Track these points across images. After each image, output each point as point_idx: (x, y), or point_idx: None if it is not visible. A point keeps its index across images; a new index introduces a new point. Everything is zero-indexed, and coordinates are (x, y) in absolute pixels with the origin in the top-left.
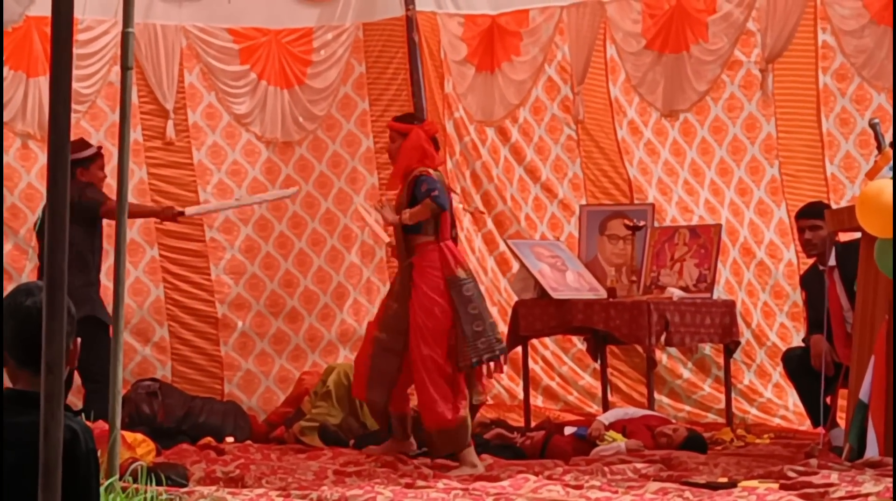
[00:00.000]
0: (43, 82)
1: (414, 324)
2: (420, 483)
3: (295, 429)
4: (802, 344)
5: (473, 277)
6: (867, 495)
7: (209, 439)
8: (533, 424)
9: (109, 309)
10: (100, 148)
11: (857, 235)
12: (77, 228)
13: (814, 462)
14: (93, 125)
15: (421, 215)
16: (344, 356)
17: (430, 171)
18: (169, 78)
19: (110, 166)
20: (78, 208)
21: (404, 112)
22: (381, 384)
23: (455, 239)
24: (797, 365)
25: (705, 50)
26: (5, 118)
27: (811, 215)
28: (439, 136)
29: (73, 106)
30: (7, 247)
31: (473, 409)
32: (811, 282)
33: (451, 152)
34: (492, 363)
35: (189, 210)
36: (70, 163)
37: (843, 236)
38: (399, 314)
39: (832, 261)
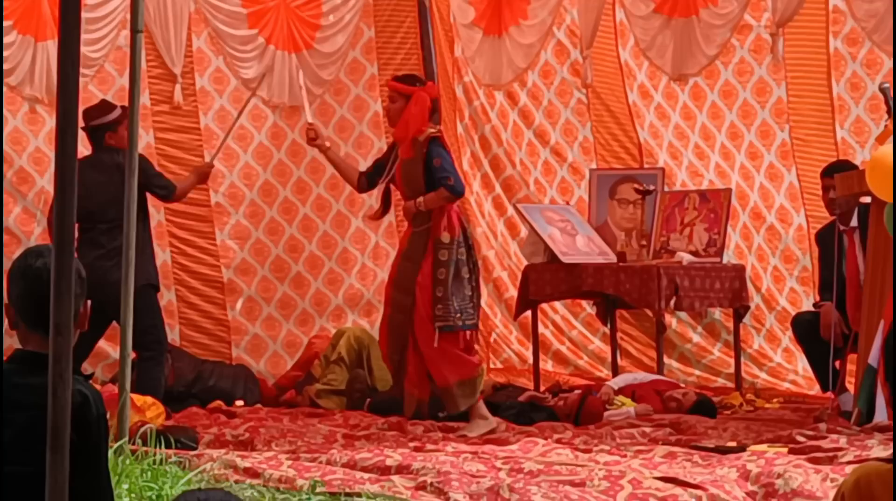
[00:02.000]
0: (51, 47)
1: (421, 285)
2: (429, 446)
3: (310, 392)
4: (812, 309)
5: (463, 242)
6: (875, 459)
7: (219, 402)
8: (543, 388)
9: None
10: (124, 107)
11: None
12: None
13: (823, 426)
14: (100, 89)
15: (436, 203)
16: (352, 320)
17: (442, 134)
18: (177, 42)
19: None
20: (147, 186)
21: None
22: (396, 341)
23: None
24: (806, 330)
25: (715, 14)
26: (13, 83)
27: (837, 173)
28: (441, 100)
29: (81, 70)
30: (16, 210)
31: None
32: (826, 240)
33: (461, 117)
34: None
35: (211, 158)
36: (98, 128)
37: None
38: (410, 273)
39: (854, 222)
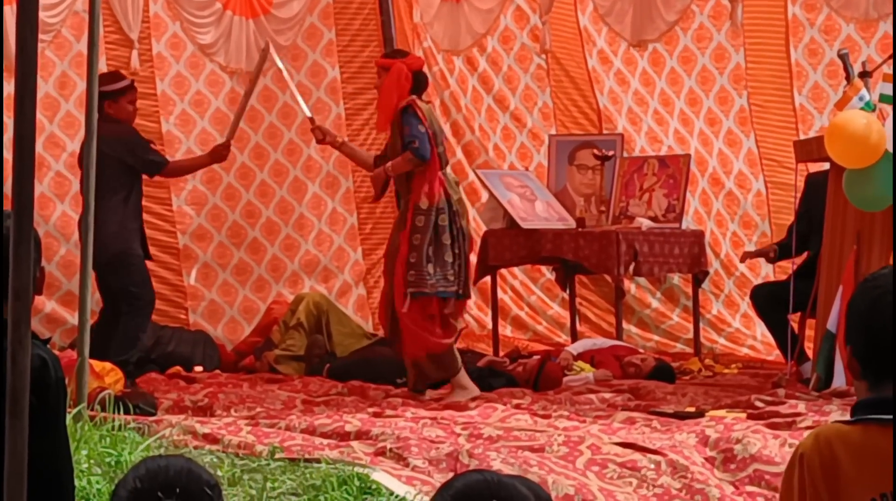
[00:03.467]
0: (8, 12)
1: (400, 252)
2: (389, 411)
3: (269, 358)
4: (772, 280)
5: (446, 209)
6: (834, 394)
7: (178, 368)
8: (501, 354)
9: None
10: (132, 81)
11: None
12: (117, 169)
13: (781, 391)
14: (57, 55)
15: (402, 168)
16: (309, 286)
17: (418, 104)
18: (134, 8)
19: (76, 95)
20: (118, 160)
21: (370, 42)
22: (388, 310)
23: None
24: (767, 302)
25: None
26: None
27: None
28: (427, 69)
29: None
30: None
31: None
32: (817, 187)
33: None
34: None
35: (226, 137)
36: (100, 96)
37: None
38: (397, 241)
39: None
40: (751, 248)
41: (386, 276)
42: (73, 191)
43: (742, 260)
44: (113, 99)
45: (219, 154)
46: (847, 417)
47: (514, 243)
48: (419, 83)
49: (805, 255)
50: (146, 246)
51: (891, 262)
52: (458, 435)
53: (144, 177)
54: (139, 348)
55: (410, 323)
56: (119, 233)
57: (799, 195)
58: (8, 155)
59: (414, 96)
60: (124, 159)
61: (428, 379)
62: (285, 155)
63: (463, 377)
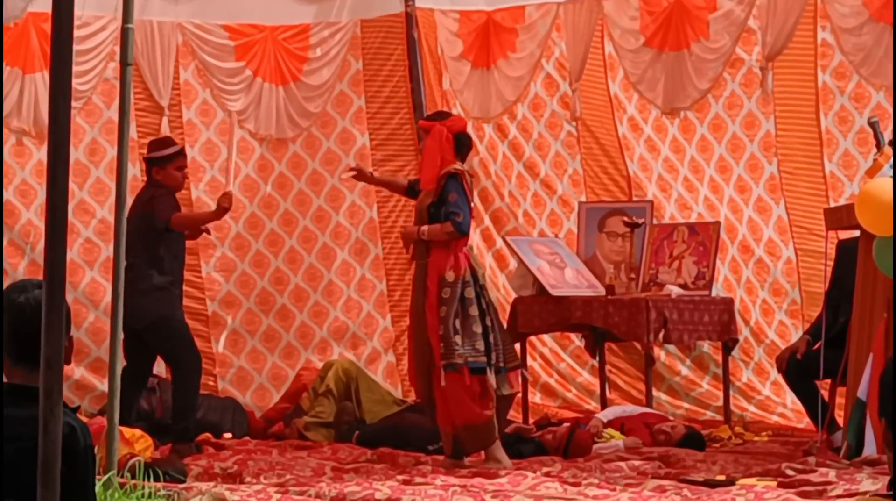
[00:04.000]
0: (39, 79)
1: (430, 325)
2: (418, 479)
3: (299, 424)
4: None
5: (472, 281)
6: (865, 492)
7: (207, 435)
8: (531, 421)
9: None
10: (181, 148)
11: None
12: (150, 231)
13: (812, 459)
14: (88, 122)
15: (439, 237)
16: (339, 352)
17: (463, 173)
18: (164, 75)
19: (106, 162)
20: (145, 219)
21: (400, 109)
22: (420, 373)
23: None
24: (795, 370)
25: (707, 48)
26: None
27: None
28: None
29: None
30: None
31: (504, 400)
32: (849, 253)
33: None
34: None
35: (231, 187)
36: (148, 161)
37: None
38: (419, 305)
39: None
40: (781, 315)
41: (411, 339)
42: (102, 257)
43: (779, 369)
44: (160, 165)
45: (225, 208)
46: (878, 485)
47: (543, 311)
48: (461, 145)
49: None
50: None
51: None
52: None
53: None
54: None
55: (448, 394)
56: (158, 297)
57: (830, 263)
58: (39, 223)
59: (459, 162)
60: (148, 217)
61: (464, 449)
62: (314, 222)
63: (497, 449)
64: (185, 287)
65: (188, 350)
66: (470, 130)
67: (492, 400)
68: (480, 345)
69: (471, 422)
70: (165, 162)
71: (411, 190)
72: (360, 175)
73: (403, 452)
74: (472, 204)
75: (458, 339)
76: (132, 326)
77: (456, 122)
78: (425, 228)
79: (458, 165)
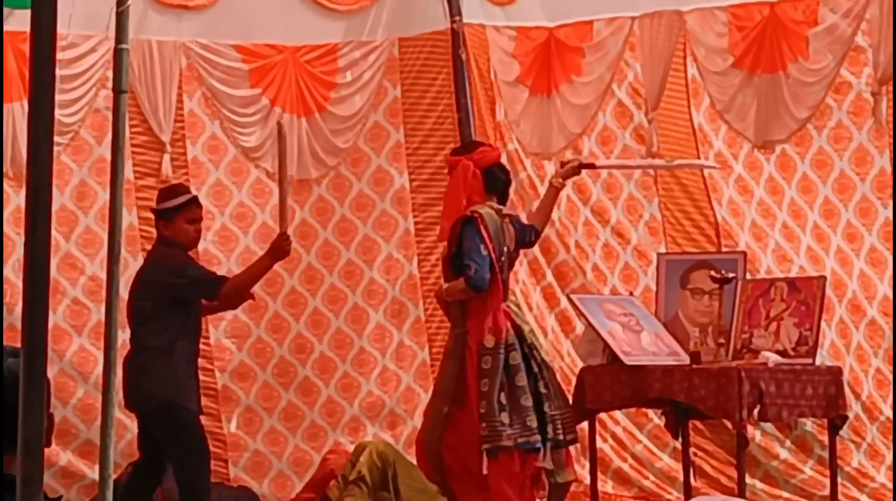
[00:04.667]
0: (17, 109)
1: (468, 404)
2: None
3: None
4: None
5: (517, 344)
6: None
7: None
8: None
9: None
10: (193, 198)
11: None
12: (167, 301)
13: None
14: (75, 160)
15: (456, 296)
16: (373, 433)
17: (485, 217)
18: (165, 104)
19: (97, 208)
20: (163, 287)
21: (445, 144)
22: (430, 457)
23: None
24: None
25: (806, 69)
26: None
27: None
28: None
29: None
30: None
31: (560, 488)
32: None
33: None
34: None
35: (282, 224)
36: (156, 214)
37: None
38: (451, 375)
39: None
40: None
41: (427, 413)
42: (92, 322)
43: None
44: (167, 218)
45: (280, 249)
46: None
47: (615, 383)
48: (493, 182)
49: None
50: (198, 398)
51: None
52: None
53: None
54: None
55: (492, 485)
56: (165, 380)
57: None
58: (17, 281)
59: (487, 202)
60: (171, 287)
61: None
62: (342, 278)
63: None
64: None
65: (192, 443)
66: (528, 168)
67: (543, 485)
68: (532, 421)
69: None
70: (173, 214)
71: None
72: None
73: None
74: (493, 251)
75: (504, 417)
76: (136, 409)
77: (485, 154)
78: (445, 286)
79: (479, 208)
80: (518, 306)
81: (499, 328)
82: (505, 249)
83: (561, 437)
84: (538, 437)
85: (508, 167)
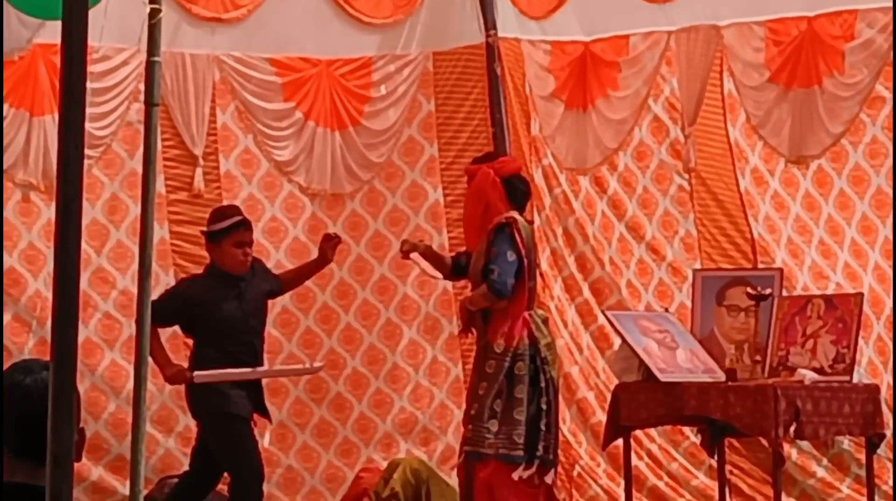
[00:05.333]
0: (49, 122)
1: (466, 401)
2: None
3: None
4: None
5: (527, 355)
6: None
7: None
8: None
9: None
10: (241, 220)
11: None
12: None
13: None
14: (106, 174)
15: (479, 303)
16: (406, 449)
17: (520, 224)
18: (198, 118)
19: (129, 221)
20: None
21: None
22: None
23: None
24: None
25: (841, 84)
26: (3, 165)
27: None
28: (526, 174)
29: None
30: (6, 318)
31: None
32: None
33: (540, 206)
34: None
35: (199, 376)
36: (205, 237)
37: None
38: (471, 389)
39: None
40: None
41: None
42: (123, 336)
43: None
44: (215, 242)
45: (324, 256)
46: None
47: (650, 400)
48: (515, 191)
49: None
50: (261, 404)
51: None
52: None
53: None
54: None
55: (478, 487)
56: (215, 390)
57: None
58: (47, 293)
59: (514, 212)
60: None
61: None
62: (375, 294)
63: None
64: None
65: (245, 455)
66: (563, 183)
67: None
68: (519, 436)
69: None
70: (221, 237)
71: (458, 268)
72: (409, 248)
73: None
74: (524, 257)
75: (492, 424)
76: (194, 418)
77: (506, 164)
78: (467, 297)
79: (512, 214)
80: (545, 320)
81: (512, 335)
82: (533, 257)
83: (552, 456)
84: (521, 452)
85: (543, 182)
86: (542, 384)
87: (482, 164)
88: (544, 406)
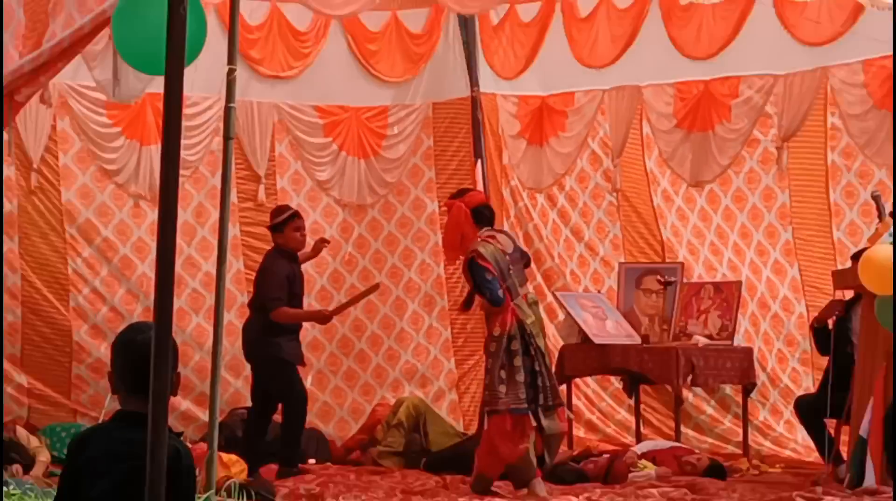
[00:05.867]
0: (154, 150)
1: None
2: None
3: (373, 453)
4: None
5: (518, 334)
6: (866, 492)
7: None
8: (576, 452)
9: None
10: (295, 212)
11: None
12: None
13: (819, 489)
14: (195, 188)
15: (488, 309)
16: (409, 390)
17: (480, 251)
18: (262, 148)
19: (210, 222)
20: (289, 278)
21: (465, 181)
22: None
23: (512, 292)
24: (807, 410)
25: (728, 129)
26: (121, 181)
27: None
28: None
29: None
30: (120, 292)
31: (555, 438)
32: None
33: (507, 215)
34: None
35: (333, 310)
36: (270, 229)
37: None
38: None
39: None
40: (794, 363)
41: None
42: (206, 305)
43: (812, 323)
44: (279, 231)
45: (316, 250)
46: None
47: (587, 357)
48: (481, 218)
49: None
50: (300, 352)
51: None
52: None
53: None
54: (300, 446)
55: (489, 440)
56: (264, 341)
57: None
58: (151, 274)
59: (479, 235)
60: (284, 279)
61: (516, 484)
62: (388, 277)
63: (538, 483)
64: None
65: (293, 388)
66: (525, 199)
67: (527, 439)
68: (522, 393)
69: (510, 461)
70: (283, 226)
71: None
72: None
73: (464, 477)
74: (494, 272)
75: (502, 388)
76: (248, 361)
77: (473, 197)
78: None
79: (477, 245)
80: (535, 302)
81: (504, 322)
82: (503, 265)
83: (550, 403)
84: (526, 405)
85: (510, 198)
86: (532, 353)
87: (456, 200)
88: (537, 369)
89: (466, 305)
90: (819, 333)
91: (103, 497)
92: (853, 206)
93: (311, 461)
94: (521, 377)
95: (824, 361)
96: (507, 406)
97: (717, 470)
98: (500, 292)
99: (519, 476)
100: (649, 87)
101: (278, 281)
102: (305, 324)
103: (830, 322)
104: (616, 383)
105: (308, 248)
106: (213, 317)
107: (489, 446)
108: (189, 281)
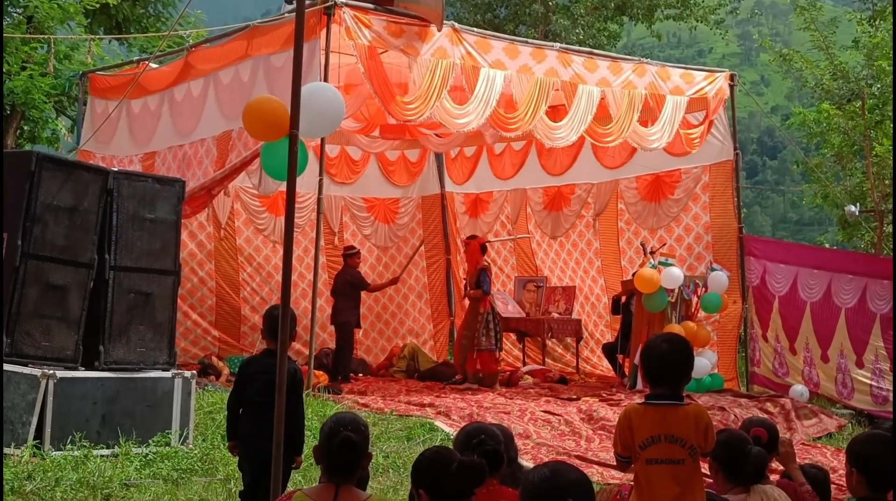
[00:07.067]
0: (281, 220)
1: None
2: (444, 396)
3: (391, 371)
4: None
5: (491, 311)
6: (637, 391)
7: (350, 375)
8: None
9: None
10: (357, 250)
11: None
12: (347, 286)
13: (614, 389)
14: (302, 236)
15: (480, 296)
16: (410, 340)
17: (486, 266)
18: (335, 219)
19: (310, 256)
20: (354, 281)
21: (438, 236)
22: (462, 350)
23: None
24: (609, 351)
25: (570, 210)
26: (265, 233)
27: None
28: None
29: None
30: (265, 289)
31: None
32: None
33: (459, 252)
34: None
35: (395, 276)
36: (344, 256)
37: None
38: (470, 322)
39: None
40: (602, 327)
41: (460, 337)
42: (308, 296)
43: (613, 296)
44: (351, 257)
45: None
46: (642, 400)
47: (505, 324)
48: (483, 250)
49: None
50: (358, 320)
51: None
52: (476, 405)
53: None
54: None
55: (480, 361)
56: (343, 313)
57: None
58: (278, 276)
59: (483, 259)
60: (352, 282)
61: (486, 385)
62: (401, 283)
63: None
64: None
65: (347, 339)
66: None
67: (497, 363)
68: (492, 342)
69: (488, 371)
70: (353, 256)
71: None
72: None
73: (438, 384)
74: (491, 278)
75: (483, 339)
76: (332, 324)
77: (479, 240)
78: (472, 292)
79: (485, 262)
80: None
81: (486, 305)
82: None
83: (500, 347)
84: (493, 346)
85: (461, 246)
86: (495, 322)
87: (471, 240)
88: (497, 329)
89: (472, 289)
90: (616, 302)
91: (255, 393)
92: (629, 249)
93: (360, 375)
94: (491, 334)
95: (618, 323)
96: (487, 347)
97: (563, 380)
98: (489, 288)
99: (491, 382)
100: (529, 189)
101: (361, 276)
102: (361, 309)
103: (623, 299)
104: (514, 336)
105: (368, 278)
106: (311, 302)
107: (478, 364)
108: (300, 284)
